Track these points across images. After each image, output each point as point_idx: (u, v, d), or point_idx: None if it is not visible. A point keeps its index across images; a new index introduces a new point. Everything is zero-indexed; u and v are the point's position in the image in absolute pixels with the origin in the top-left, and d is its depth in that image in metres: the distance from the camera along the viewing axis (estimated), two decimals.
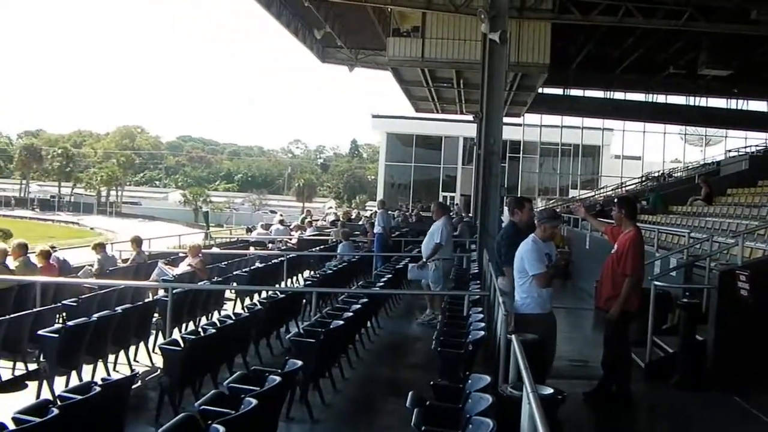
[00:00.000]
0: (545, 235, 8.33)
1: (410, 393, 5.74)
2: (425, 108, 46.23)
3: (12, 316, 9.80)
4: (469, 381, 6.23)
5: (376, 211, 25.28)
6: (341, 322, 9.41)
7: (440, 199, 53.79)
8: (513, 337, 6.13)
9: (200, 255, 15.74)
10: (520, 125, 54.64)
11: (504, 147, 24.30)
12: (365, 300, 11.59)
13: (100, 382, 6.27)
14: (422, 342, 12.57)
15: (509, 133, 39.17)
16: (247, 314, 10.53)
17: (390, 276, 15.39)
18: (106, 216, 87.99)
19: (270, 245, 24.70)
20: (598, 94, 47.41)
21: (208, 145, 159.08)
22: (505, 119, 22.33)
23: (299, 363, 7.01)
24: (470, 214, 26.74)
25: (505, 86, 22.42)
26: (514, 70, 29.42)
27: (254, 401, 5.45)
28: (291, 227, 28.65)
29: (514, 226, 10.25)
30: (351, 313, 10.21)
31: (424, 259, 14.66)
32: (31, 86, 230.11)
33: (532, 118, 53.88)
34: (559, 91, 45.88)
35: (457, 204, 47.11)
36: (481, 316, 9.56)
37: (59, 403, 5.70)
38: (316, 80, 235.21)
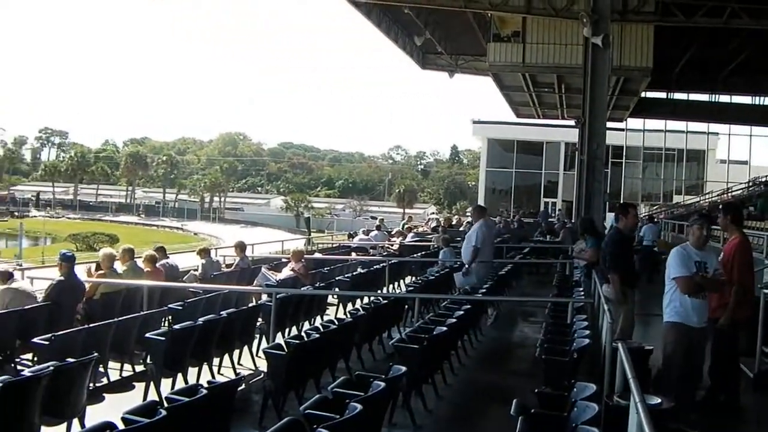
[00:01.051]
0: (696, 241, 8.01)
1: (514, 401, 5.67)
2: (526, 113, 45.88)
3: (120, 319, 10.02)
4: (574, 389, 6.14)
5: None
6: (445, 328, 9.36)
7: (542, 206, 53.40)
8: (619, 345, 6.01)
9: (303, 260, 15.85)
10: (622, 130, 53.92)
11: (606, 152, 23.93)
12: (468, 306, 11.50)
13: (206, 385, 6.34)
14: (524, 349, 12.45)
15: (612, 138, 38.68)
16: (350, 319, 10.55)
17: (491, 283, 15.26)
18: (209, 222, 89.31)
19: (371, 251, 24.74)
20: (702, 97, 46.13)
21: (310, 152, 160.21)
22: (608, 124, 22.02)
23: (403, 369, 6.98)
24: (572, 220, 26.41)
25: (607, 90, 22.11)
26: (616, 74, 29.02)
27: (359, 406, 5.45)
28: (392, 233, 28.67)
29: (618, 232, 10.08)
30: (454, 320, 10.16)
31: (466, 265, 14.57)
32: (136, 95, 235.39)
33: (634, 122, 53.06)
34: (662, 95, 44.94)
35: (559, 209, 46.71)
36: (586, 323, 9.41)
37: (166, 404, 5.80)
38: (416, 86, 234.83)
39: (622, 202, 32.55)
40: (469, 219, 28.27)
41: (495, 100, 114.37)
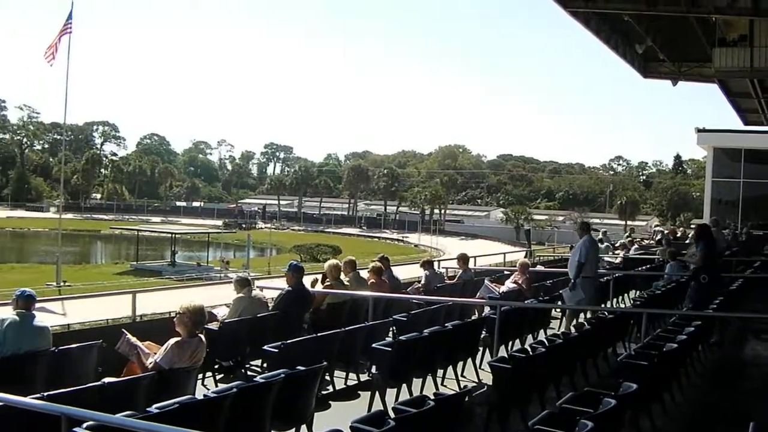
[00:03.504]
0: None
1: (751, 424, 5.33)
2: (755, 120, 43.85)
3: (347, 328, 10.18)
4: None
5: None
6: (675, 345, 8.99)
7: None
8: None
9: (527, 273, 15.71)
10: None
11: None
12: (698, 322, 11.01)
13: (432, 397, 6.31)
14: (757, 368, 11.86)
15: None
16: (575, 333, 10.33)
17: (722, 298, 14.58)
18: (429, 234, 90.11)
19: None
20: None
21: (529, 163, 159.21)
22: None
23: (634, 386, 6.72)
24: None
25: None
26: None
27: (590, 423, 5.28)
28: (616, 245, 28.04)
29: None
30: (685, 336, 9.74)
31: (572, 279, 14.00)
32: (358, 110, 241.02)
33: None
34: None
35: None
36: None
37: (394, 414, 5.80)
38: (636, 95, 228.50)
39: None
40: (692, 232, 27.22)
41: (720, 108, 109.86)
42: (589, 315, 13.22)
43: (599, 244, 26.15)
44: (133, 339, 7.78)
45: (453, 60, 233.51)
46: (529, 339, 12.19)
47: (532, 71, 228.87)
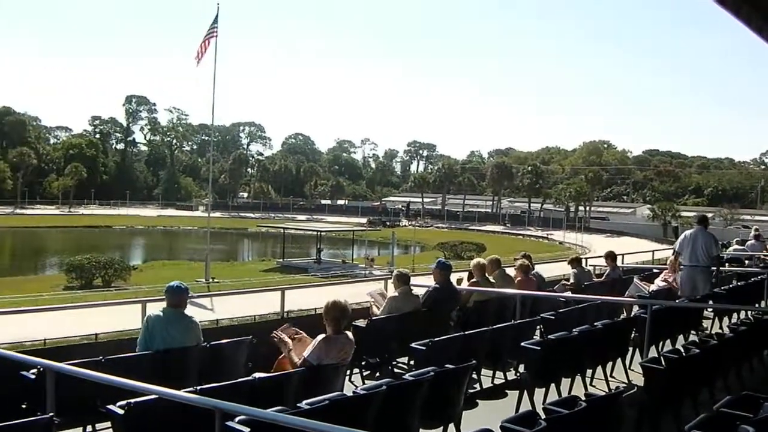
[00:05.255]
0: None
1: None
2: None
3: (493, 327, 10.10)
4: None
5: None
6: None
7: None
8: None
9: (678, 271, 15.31)
10: None
11: None
12: None
13: (583, 397, 6.19)
14: None
15: None
16: (731, 335, 9.98)
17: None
18: (574, 231, 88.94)
19: (747, 262, 23.40)
20: None
21: (676, 159, 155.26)
22: None
23: None
24: None
25: None
26: None
27: (751, 429, 5.06)
28: None
29: None
30: None
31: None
32: (500, 107, 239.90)
33: None
34: None
35: None
36: None
37: (544, 415, 5.70)
38: None
39: None
40: None
41: None
42: (743, 315, 12.76)
43: (754, 241, 25.36)
44: (287, 335, 7.92)
45: (599, 54, 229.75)
46: (680, 339, 11.85)
47: (677, 66, 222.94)
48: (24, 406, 7.50)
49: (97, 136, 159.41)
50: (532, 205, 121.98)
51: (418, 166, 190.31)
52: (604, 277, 16.80)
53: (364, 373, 10.43)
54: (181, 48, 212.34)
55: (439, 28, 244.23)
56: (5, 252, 78.91)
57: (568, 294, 14.02)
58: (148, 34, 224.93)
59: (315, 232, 65.38)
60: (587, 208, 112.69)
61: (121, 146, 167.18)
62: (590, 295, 13.69)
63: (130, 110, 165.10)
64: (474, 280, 12.87)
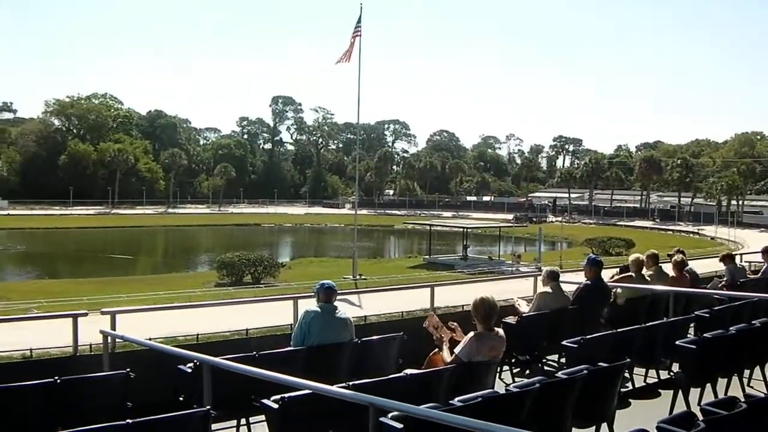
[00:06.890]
0: None
1: None
2: None
3: (647, 324, 9.92)
4: None
5: None
6: None
7: None
8: None
9: None
10: None
11: None
12: None
13: (742, 399, 6.02)
14: None
15: None
16: None
17: None
18: (726, 226, 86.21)
19: None
20: None
21: None
22: None
23: None
24: None
25: None
26: None
27: None
28: None
29: None
30: None
31: None
32: (649, 99, 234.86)
33: None
34: None
35: None
36: None
37: (702, 416, 5.57)
38: None
39: None
40: None
41: None
42: None
43: None
44: (433, 323, 7.98)
45: (747, 42, 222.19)
46: None
47: None
48: (181, 399, 7.78)
49: (245, 136, 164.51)
50: (681, 199, 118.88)
51: (564, 161, 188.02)
52: (760, 274, 16.26)
53: (514, 371, 10.41)
54: (327, 48, 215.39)
55: (584, 24, 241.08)
56: (159, 250, 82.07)
57: (722, 291, 13.65)
58: (293, 34, 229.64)
59: (461, 229, 65.10)
60: (740, 202, 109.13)
61: (268, 146, 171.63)
62: (745, 293, 13.27)
63: (277, 110, 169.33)
64: (627, 274, 12.68)
